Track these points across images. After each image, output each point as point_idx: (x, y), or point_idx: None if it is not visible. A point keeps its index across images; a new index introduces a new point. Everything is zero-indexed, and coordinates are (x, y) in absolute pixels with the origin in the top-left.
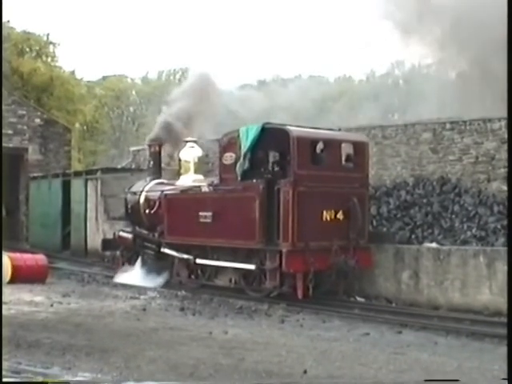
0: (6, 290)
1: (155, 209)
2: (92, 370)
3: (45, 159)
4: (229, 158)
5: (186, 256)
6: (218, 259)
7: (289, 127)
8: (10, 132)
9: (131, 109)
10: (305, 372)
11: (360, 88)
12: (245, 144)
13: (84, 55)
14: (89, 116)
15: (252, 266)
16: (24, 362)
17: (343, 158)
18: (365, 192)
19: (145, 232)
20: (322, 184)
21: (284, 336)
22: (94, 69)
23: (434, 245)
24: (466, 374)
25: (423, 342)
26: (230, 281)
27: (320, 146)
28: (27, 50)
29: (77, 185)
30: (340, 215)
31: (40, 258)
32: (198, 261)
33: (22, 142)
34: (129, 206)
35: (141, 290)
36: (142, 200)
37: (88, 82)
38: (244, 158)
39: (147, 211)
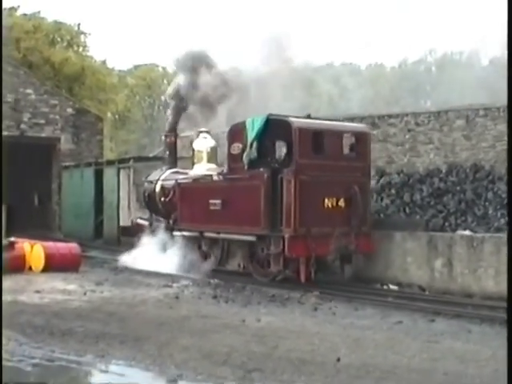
0: (39, 278)
1: (170, 197)
2: (125, 358)
3: (77, 148)
4: (236, 148)
5: (194, 234)
6: (228, 247)
7: (291, 118)
8: (42, 122)
9: (162, 98)
10: (338, 360)
11: (392, 75)
12: (250, 134)
13: (115, 44)
14: (120, 105)
15: (253, 238)
16: (58, 350)
17: (345, 148)
18: (366, 181)
19: (161, 219)
20: (324, 173)
21: (317, 324)
22: (125, 58)
23: (467, 232)
24: (500, 362)
25: (457, 330)
26: (239, 266)
27: (322, 136)
28: (58, 39)
29: (109, 174)
30: (341, 203)
31: (73, 247)
32: (206, 234)
33: (55, 131)
34: (146, 195)
35: (174, 278)
36: (157, 188)
37: (119, 71)
38: (250, 148)
39: (162, 199)
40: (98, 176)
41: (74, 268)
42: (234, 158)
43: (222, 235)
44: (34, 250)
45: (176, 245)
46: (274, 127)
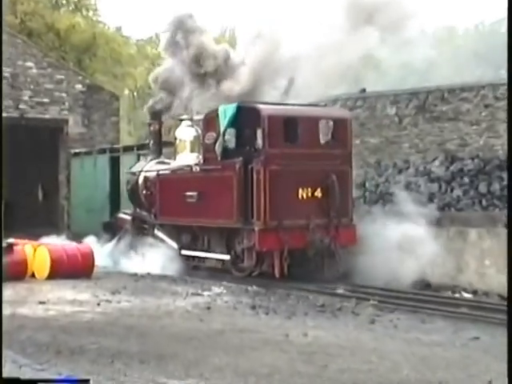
0: (44, 286)
1: (151, 189)
2: (146, 380)
3: (88, 132)
4: (210, 137)
5: (174, 244)
6: (208, 240)
7: (260, 106)
8: (45, 101)
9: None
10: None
11: (465, 39)
12: (223, 123)
13: (132, 9)
14: (140, 81)
15: (227, 257)
16: (65, 371)
17: (321, 135)
18: (347, 169)
19: (144, 214)
20: (298, 162)
21: (375, 339)
22: (144, 25)
23: None
24: None
25: None
26: (218, 262)
27: (295, 123)
28: (63, 2)
29: (127, 162)
30: (318, 193)
31: (85, 249)
32: (184, 252)
33: (61, 112)
34: (128, 187)
35: (204, 285)
36: (140, 180)
37: (138, 40)
38: (223, 137)
39: (144, 192)
40: (114, 164)
41: (85, 274)
42: (208, 148)
43: (199, 229)
44: (37, 254)
45: (157, 241)
46: (245, 115)
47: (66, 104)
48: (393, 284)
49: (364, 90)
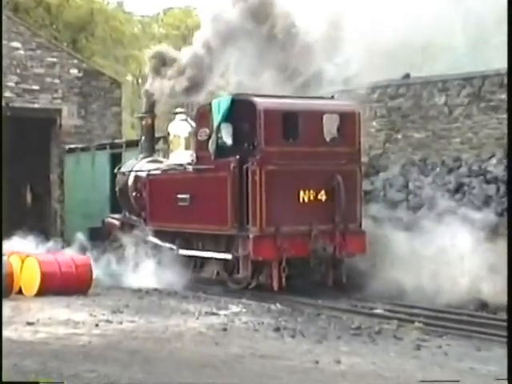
0: (33, 304)
1: (141, 191)
2: None
3: (85, 125)
4: (203, 133)
5: (168, 245)
6: (202, 247)
7: (256, 99)
8: (35, 88)
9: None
10: None
11: None
12: (216, 118)
13: None
14: (145, 64)
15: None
16: None
17: (326, 131)
18: (355, 169)
19: (134, 218)
20: (298, 161)
21: (421, 368)
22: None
23: None
24: None
25: None
26: (213, 272)
27: (295, 118)
28: None
29: (131, 159)
30: (322, 196)
31: (81, 261)
32: (181, 251)
33: (53, 101)
34: (117, 189)
35: (220, 302)
36: (130, 181)
37: (142, 17)
38: (216, 134)
39: (134, 194)
40: (116, 162)
41: (81, 290)
42: (201, 146)
43: (192, 236)
44: (25, 266)
45: (148, 250)
46: (240, 109)
47: (59, 92)
48: (439, 303)
49: (408, 76)
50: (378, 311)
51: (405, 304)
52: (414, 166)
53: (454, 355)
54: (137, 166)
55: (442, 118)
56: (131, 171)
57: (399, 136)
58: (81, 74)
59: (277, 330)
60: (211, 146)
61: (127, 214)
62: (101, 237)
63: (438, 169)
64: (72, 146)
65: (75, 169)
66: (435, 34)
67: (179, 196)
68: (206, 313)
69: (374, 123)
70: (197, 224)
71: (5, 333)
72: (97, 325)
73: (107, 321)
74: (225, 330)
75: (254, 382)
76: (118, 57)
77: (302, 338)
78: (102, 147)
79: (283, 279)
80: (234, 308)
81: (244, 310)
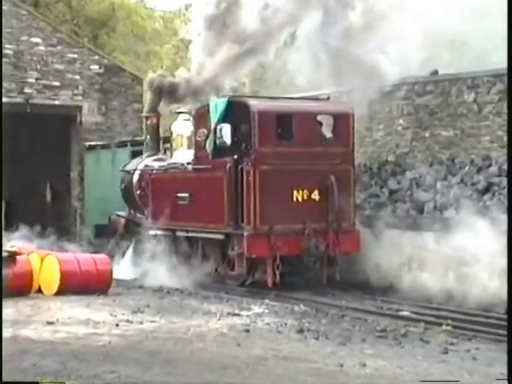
0: (52, 303)
1: (145, 189)
2: None
3: (106, 121)
4: (201, 134)
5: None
6: (202, 245)
7: (251, 101)
8: (55, 84)
9: None
10: None
11: None
12: (213, 119)
13: None
14: (167, 60)
15: (219, 237)
16: None
17: (319, 132)
18: (348, 168)
19: (139, 216)
20: (292, 161)
21: (449, 373)
22: None
23: None
24: None
25: None
26: (212, 269)
27: (289, 119)
28: None
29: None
30: (315, 195)
31: (101, 260)
32: (178, 233)
33: (74, 97)
34: (122, 187)
35: (242, 303)
36: (135, 180)
37: (164, 12)
38: (213, 135)
39: (138, 192)
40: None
41: (101, 289)
42: (199, 146)
43: (191, 234)
44: (44, 265)
45: (152, 247)
46: (236, 110)
47: (80, 88)
48: (468, 305)
49: (436, 72)
50: (405, 313)
51: (432, 306)
52: (442, 165)
53: (483, 360)
54: (141, 164)
55: (471, 115)
56: (135, 170)
57: (426, 134)
58: (101, 70)
59: (300, 331)
60: (208, 147)
61: (132, 211)
62: (106, 234)
63: (466, 168)
64: (92, 143)
65: (95, 166)
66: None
67: (179, 195)
68: (228, 313)
69: (401, 121)
70: (196, 222)
71: (24, 332)
72: (117, 325)
73: (128, 321)
74: (247, 331)
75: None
76: (139, 53)
77: (325, 340)
78: (122, 144)
79: (277, 276)
80: (257, 309)
81: (267, 311)
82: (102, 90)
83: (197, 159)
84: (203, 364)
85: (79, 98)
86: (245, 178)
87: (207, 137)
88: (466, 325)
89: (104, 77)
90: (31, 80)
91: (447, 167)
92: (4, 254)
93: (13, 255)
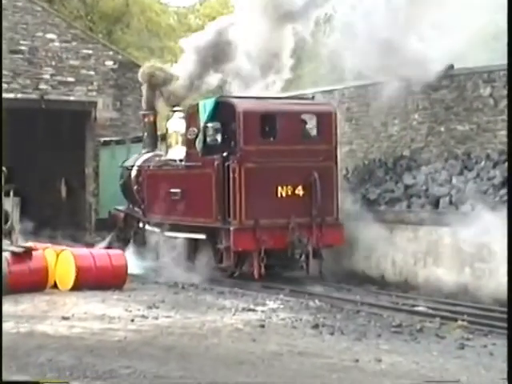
0: (68, 299)
1: (142, 185)
2: None
3: (121, 117)
4: (192, 132)
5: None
6: (194, 239)
7: (235, 100)
8: (70, 80)
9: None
10: None
11: None
12: (203, 118)
13: None
14: (181, 56)
15: (202, 236)
16: None
17: (303, 131)
18: (331, 165)
19: (136, 210)
20: (277, 159)
21: (465, 369)
22: None
23: None
24: None
25: None
26: (205, 262)
27: (273, 118)
28: None
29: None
30: (299, 191)
31: (116, 255)
32: (167, 233)
33: (88, 93)
34: (121, 182)
35: (257, 298)
36: (133, 175)
37: (178, 8)
38: (203, 133)
39: (136, 187)
40: None
41: (116, 285)
42: (190, 144)
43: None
44: (60, 260)
45: (150, 241)
46: (223, 110)
47: (94, 84)
48: (484, 300)
49: (451, 67)
50: (420, 308)
51: (448, 301)
52: (458, 160)
53: (500, 355)
54: (139, 160)
55: (486, 110)
56: (133, 166)
57: (442, 129)
58: (116, 66)
59: (315, 326)
60: (198, 144)
61: (131, 206)
62: (107, 227)
63: (482, 163)
64: (107, 138)
65: (110, 162)
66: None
67: (172, 190)
68: (243, 309)
69: (416, 116)
70: (188, 217)
71: (40, 327)
72: (132, 320)
73: (143, 316)
74: (262, 326)
75: (292, 380)
76: (154, 48)
77: (341, 336)
78: (137, 140)
79: (262, 268)
80: (272, 304)
81: (282, 307)
82: (117, 85)
83: (188, 156)
84: (218, 359)
85: (94, 93)
86: (231, 175)
87: (197, 135)
88: (482, 320)
89: (118, 72)
90: (46, 76)
91: (463, 162)
92: (19, 250)
93: (28, 251)
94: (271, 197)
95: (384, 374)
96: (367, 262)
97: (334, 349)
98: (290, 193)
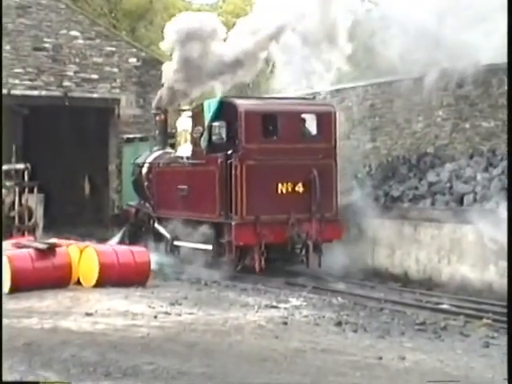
0: (91, 295)
1: (152, 181)
2: None
3: (144, 114)
4: (197, 131)
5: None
6: (200, 233)
7: (238, 101)
8: (94, 77)
9: None
10: None
11: None
12: (207, 118)
13: None
14: None
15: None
16: None
17: (304, 130)
18: (330, 163)
19: (147, 205)
20: (277, 157)
21: (490, 368)
22: None
23: None
24: None
25: None
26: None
27: (274, 118)
28: None
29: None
30: (299, 188)
31: (139, 252)
32: (176, 242)
33: (112, 90)
34: (133, 179)
35: (280, 295)
36: (144, 172)
37: (201, 5)
38: (207, 132)
39: (146, 183)
40: None
41: (139, 281)
42: (195, 142)
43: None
44: (83, 257)
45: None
46: (226, 110)
47: (118, 81)
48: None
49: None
50: (444, 306)
51: (472, 299)
52: (483, 157)
53: None
54: (150, 158)
55: None
56: (144, 163)
57: (467, 125)
58: (139, 63)
59: (338, 324)
60: (203, 143)
61: (142, 201)
62: (119, 223)
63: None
64: (130, 135)
65: (133, 159)
66: None
67: (179, 187)
68: (266, 306)
69: (440, 112)
70: (194, 212)
71: (64, 323)
72: (155, 317)
73: (166, 313)
74: (285, 323)
75: (316, 378)
76: None
77: (364, 333)
78: None
79: (263, 262)
80: (295, 301)
81: (304, 304)
82: (140, 82)
83: (194, 154)
84: (241, 356)
85: (117, 90)
86: (233, 172)
87: (202, 134)
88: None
89: (142, 70)
90: (70, 73)
91: (488, 159)
92: (43, 246)
93: (52, 247)
94: (272, 193)
95: (407, 372)
96: (390, 260)
97: (357, 346)
98: (290, 189)
